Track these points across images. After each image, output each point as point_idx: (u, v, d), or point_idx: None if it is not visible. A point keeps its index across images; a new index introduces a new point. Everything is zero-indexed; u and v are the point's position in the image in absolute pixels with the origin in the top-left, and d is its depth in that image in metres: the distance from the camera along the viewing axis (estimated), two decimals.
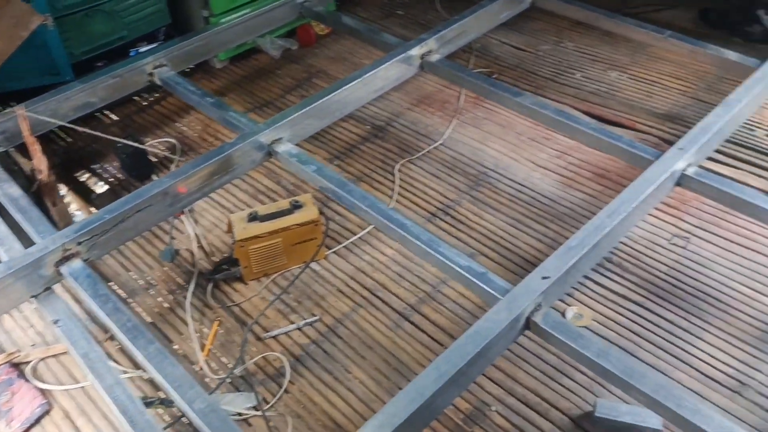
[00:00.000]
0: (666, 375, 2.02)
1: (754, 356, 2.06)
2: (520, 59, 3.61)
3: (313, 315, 2.31)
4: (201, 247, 2.60)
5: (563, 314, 2.24)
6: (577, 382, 2.04)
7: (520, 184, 2.79)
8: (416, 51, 2.81)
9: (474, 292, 2.03)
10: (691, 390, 1.98)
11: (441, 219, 2.67)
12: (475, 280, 1.96)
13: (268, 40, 3.65)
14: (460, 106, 3.26)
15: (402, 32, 3.81)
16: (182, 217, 2.71)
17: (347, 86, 2.63)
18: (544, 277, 1.88)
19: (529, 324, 1.85)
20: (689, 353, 2.09)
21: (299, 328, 2.27)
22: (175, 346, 2.26)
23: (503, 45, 3.73)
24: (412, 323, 2.27)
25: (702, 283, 2.31)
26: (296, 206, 2.42)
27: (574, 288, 2.31)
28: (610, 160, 2.79)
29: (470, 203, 2.72)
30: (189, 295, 2.40)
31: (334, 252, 2.54)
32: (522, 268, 2.41)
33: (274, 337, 2.25)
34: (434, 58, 2.86)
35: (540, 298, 1.84)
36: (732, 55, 2.92)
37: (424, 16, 4.04)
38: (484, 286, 1.92)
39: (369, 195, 2.17)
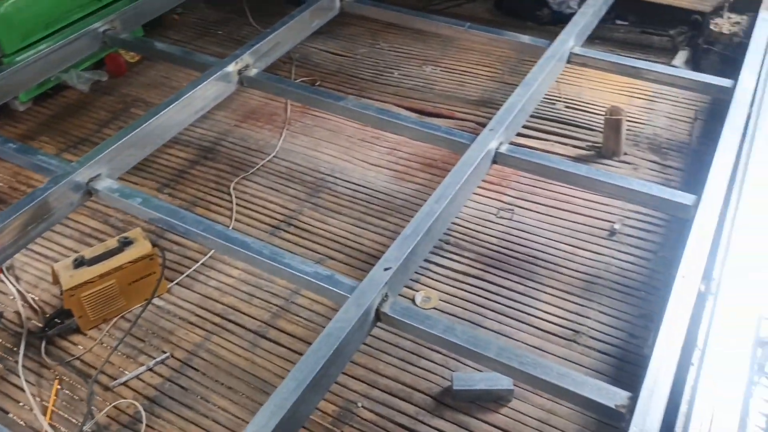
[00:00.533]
0: (510, 338, 2.17)
1: (583, 305, 2.28)
2: (340, 64, 3.69)
3: (163, 352, 2.20)
4: (27, 304, 2.39)
5: (413, 300, 2.33)
6: (434, 362, 2.13)
7: (356, 184, 2.86)
8: (232, 67, 2.77)
9: (325, 296, 2.06)
10: (533, 347, 2.14)
11: (285, 231, 2.66)
12: (322, 284, 1.98)
13: (74, 74, 3.43)
14: (288, 116, 3.28)
15: (219, 50, 3.75)
16: (0, 276, 2.46)
17: (165, 111, 2.54)
18: (386, 269, 1.94)
19: (379, 316, 1.90)
20: (528, 314, 2.26)
21: (150, 369, 2.16)
22: (14, 417, 2.05)
23: (322, 52, 3.80)
24: (269, 340, 2.25)
25: (530, 248, 2.51)
26: (126, 243, 2.30)
27: (418, 273, 2.41)
28: (434, 149, 2.95)
29: (312, 210, 2.75)
30: (20, 358, 2.19)
31: (176, 283, 2.45)
32: (369, 264, 2.47)
33: (124, 384, 2.12)
34: (253, 72, 2.84)
35: (385, 288, 1.90)
36: (525, 38, 3.20)
37: (239, 32, 4.00)
38: (333, 288, 1.95)
39: (204, 219, 2.11)
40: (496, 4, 4.21)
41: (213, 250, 2.51)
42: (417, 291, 2.36)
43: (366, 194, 2.81)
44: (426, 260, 2.42)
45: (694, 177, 2.53)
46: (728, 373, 1.67)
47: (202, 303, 2.37)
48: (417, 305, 2.30)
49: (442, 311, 2.29)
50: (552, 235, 2.56)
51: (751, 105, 2.62)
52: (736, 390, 1.63)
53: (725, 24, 3.32)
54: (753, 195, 2.18)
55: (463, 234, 2.59)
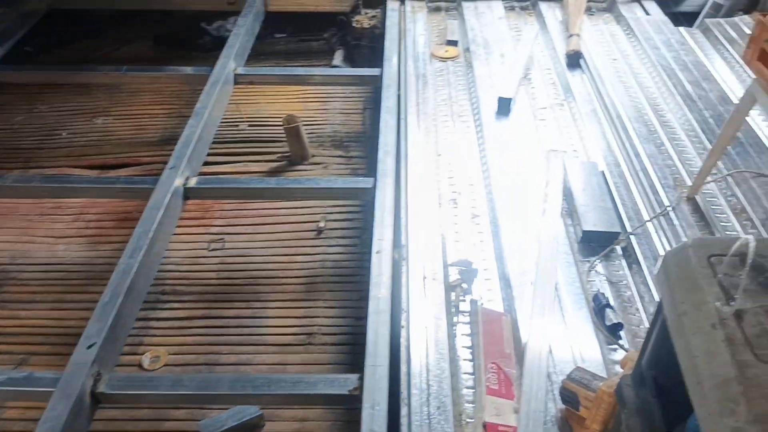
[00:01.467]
0: (249, 365, 2.15)
1: (310, 308, 2.35)
2: None
3: None
4: None
5: (140, 365, 2.18)
6: (178, 419, 2.01)
7: (46, 264, 2.57)
8: None
9: (30, 400, 1.82)
10: (274, 364, 2.15)
11: None
12: (21, 388, 1.76)
13: None
14: None
15: None
16: None
17: None
18: (89, 346, 1.78)
19: (97, 397, 1.74)
20: (261, 335, 2.26)
21: None
22: None
23: None
24: None
25: (248, 270, 2.51)
26: None
27: (138, 336, 2.25)
28: (125, 202, 2.78)
29: None
30: None
31: None
32: None
33: None
34: None
35: (95, 367, 1.75)
36: (188, 69, 3.19)
37: None
38: (34, 388, 1.75)
39: None
40: (156, 40, 4.11)
41: None
42: (142, 354, 2.21)
43: (60, 271, 2.54)
44: (142, 319, 2.28)
45: (374, 161, 2.76)
46: (433, 322, 1.86)
47: None
48: (146, 368, 2.15)
49: (175, 365, 2.17)
50: (266, 251, 2.59)
51: (399, 86, 2.95)
52: (441, 334, 1.83)
53: (364, 20, 3.69)
54: (414, 164, 2.47)
55: (178, 278, 2.49)
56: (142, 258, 2.05)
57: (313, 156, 3.08)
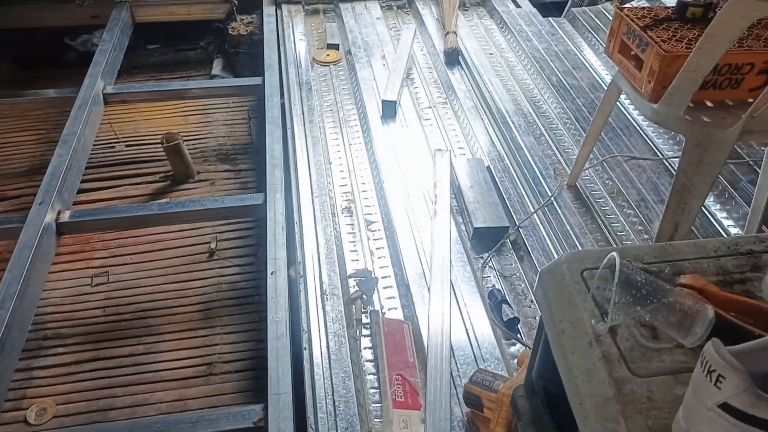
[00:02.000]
0: (147, 405, 2.03)
1: (207, 335, 2.26)
2: None
3: None
4: None
5: (26, 420, 2.01)
6: None
7: None
8: None
9: None
10: (174, 401, 2.05)
11: None
12: None
13: None
14: None
15: None
16: None
17: None
18: None
19: None
20: (157, 371, 2.14)
21: None
22: None
23: None
24: None
25: (138, 303, 2.37)
26: None
27: (20, 389, 2.07)
28: None
29: None
30: None
31: None
32: None
33: None
34: None
35: None
36: (51, 92, 2.97)
37: None
38: None
39: None
40: (15, 60, 3.79)
41: None
42: (27, 408, 2.04)
43: None
44: (23, 370, 2.10)
45: (264, 173, 2.69)
46: (335, 340, 1.83)
47: None
48: (32, 424, 1.98)
49: (65, 416, 2.02)
50: (155, 279, 2.46)
51: (282, 95, 2.89)
52: (344, 351, 1.80)
53: (241, 26, 3.59)
54: (304, 175, 2.42)
55: (61, 320, 2.31)
56: (14, 306, 1.89)
57: (199, 173, 2.96)
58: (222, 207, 2.34)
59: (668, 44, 1.74)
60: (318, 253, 2.10)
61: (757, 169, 2.38)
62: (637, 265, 0.78)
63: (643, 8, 1.95)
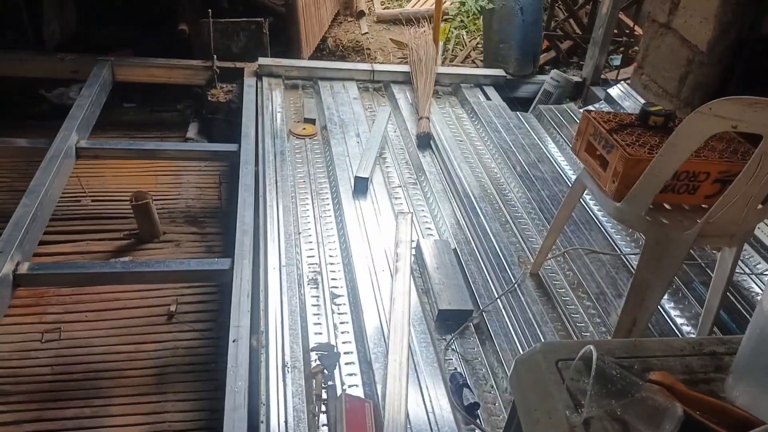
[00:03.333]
0: None
1: (159, 401, 2.18)
2: None
3: None
4: None
5: None
6: None
7: None
8: None
9: None
10: None
11: None
12: None
13: None
14: None
15: None
16: None
17: None
18: None
19: None
20: None
21: None
22: None
23: None
24: None
25: (88, 363, 2.29)
26: None
27: None
28: None
29: None
30: None
31: None
32: None
33: None
34: None
35: None
36: (22, 142, 2.94)
37: None
38: None
39: None
40: None
41: None
42: None
43: None
44: None
45: (231, 238, 2.68)
46: (293, 415, 1.79)
47: None
48: None
49: None
50: (109, 339, 2.38)
51: (257, 163, 2.93)
52: (303, 427, 1.76)
53: (220, 93, 3.66)
54: (273, 243, 2.43)
55: (5, 376, 2.21)
56: None
57: (165, 233, 2.93)
58: (187, 270, 2.32)
59: (632, 148, 1.86)
60: (282, 323, 2.08)
61: (709, 272, 2.50)
62: (610, 359, 0.81)
63: (609, 113, 2.08)
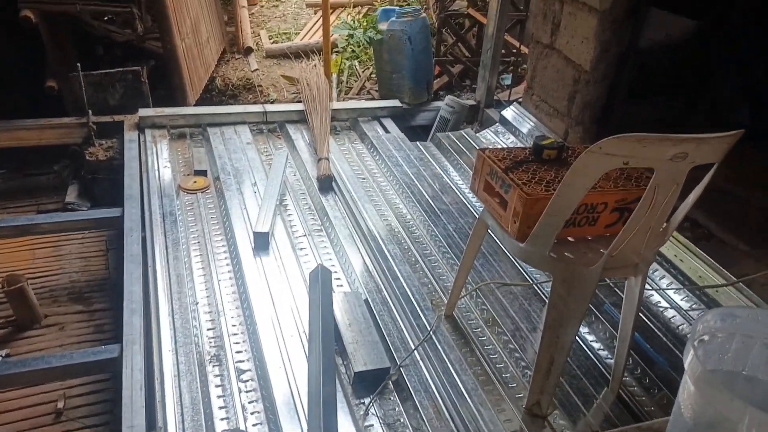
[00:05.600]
0: None
1: None
2: None
3: None
4: None
5: None
6: None
7: None
8: None
9: None
10: None
11: None
12: None
13: None
14: None
15: None
16: None
17: None
18: None
19: None
20: None
21: None
22: None
23: None
24: None
25: None
26: None
27: None
28: None
29: None
30: None
31: None
32: None
33: None
34: None
35: None
36: None
37: None
38: None
39: None
40: None
41: None
42: None
43: None
44: None
45: (122, 314, 2.45)
46: None
47: None
48: None
49: None
50: None
51: (143, 228, 2.70)
52: None
53: (99, 151, 3.39)
54: (165, 321, 2.22)
55: None
56: None
57: (47, 316, 2.64)
58: (71, 363, 2.07)
59: (529, 186, 1.81)
60: (182, 415, 1.88)
61: (618, 291, 2.51)
62: None
63: (503, 149, 2.04)
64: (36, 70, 3.74)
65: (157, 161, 3.23)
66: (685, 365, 0.87)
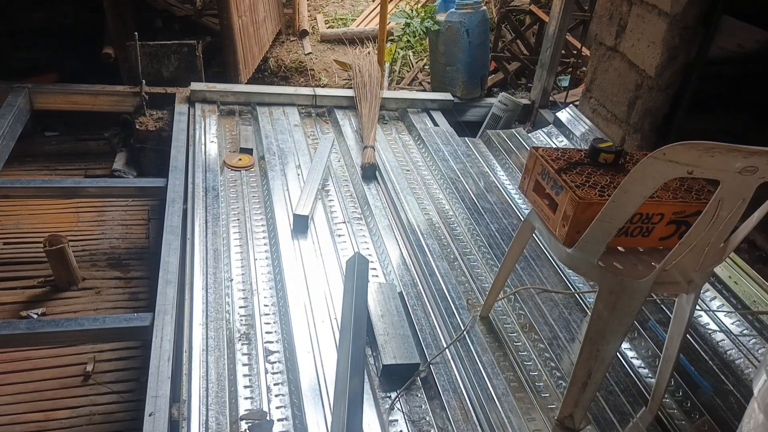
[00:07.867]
0: None
1: None
2: None
3: None
4: None
5: None
6: None
7: None
8: None
9: None
10: None
11: None
12: None
13: None
14: None
15: None
16: None
17: None
18: None
19: None
20: None
21: None
22: None
23: None
24: None
25: None
26: None
27: None
28: None
29: None
30: None
31: None
32: None
33: None
34: None
35: None
36: None
37: None
38: None
39: None
40: None
41: None
42: None
43: None
44: None
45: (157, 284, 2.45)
46: None
47: None
48: None
49: None
50: (16, 407, 2.12)
51: (185, 200, 2.70)
52: None
53: (149, 121, 3.41)
54: (198, 295, 2.21)
55: None
56: None
57: (84, 279, 2.67)
58: (102, 328, 2.08)
59: (582, 190, 1.73)
60: (207, 390, 1.87)
61: (665, 309, 2.40)
62: None
63: (557, 149, 1.95)
64: (95, 37, 3.79)
65: (204, 136, 3.24)
66: (755, 391, 0.79)
